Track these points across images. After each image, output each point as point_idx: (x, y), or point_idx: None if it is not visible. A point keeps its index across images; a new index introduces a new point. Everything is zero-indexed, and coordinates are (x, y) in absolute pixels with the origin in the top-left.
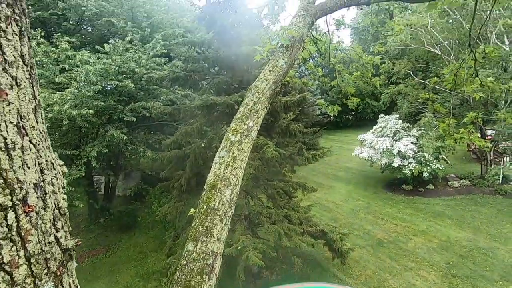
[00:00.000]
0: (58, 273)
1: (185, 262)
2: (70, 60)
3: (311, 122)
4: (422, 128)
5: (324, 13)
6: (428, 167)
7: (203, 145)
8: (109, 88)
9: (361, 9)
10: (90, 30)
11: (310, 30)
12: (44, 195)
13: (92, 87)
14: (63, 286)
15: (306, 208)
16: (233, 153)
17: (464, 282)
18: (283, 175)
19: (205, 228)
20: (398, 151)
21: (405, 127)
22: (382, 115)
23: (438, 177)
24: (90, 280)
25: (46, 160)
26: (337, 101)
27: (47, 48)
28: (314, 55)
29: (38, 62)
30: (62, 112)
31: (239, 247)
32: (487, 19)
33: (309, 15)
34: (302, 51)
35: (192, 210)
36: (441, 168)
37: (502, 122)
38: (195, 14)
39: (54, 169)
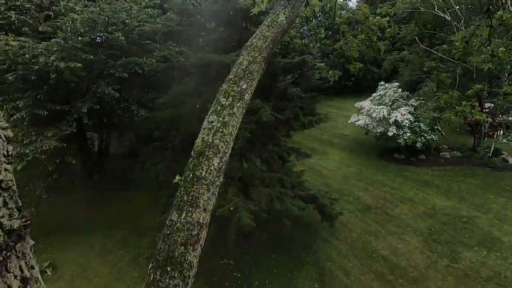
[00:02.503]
0: (0, 259)
1: (168, 232)
2: (55, 7)
3: (309, 86)
4: (421, 98)
5: None
6: (422, 138)
7: (197, 106)
8: (98, 41)
9: None
10: None
11: None
12: None
13: (80, 38)
14: (9, 271)
15: (299, 173)
16: (223, 118)
17: (443, 246)
18: (278, 139)
19: (190, 197)
20: (395, 120)
21: (404, 96)
22: (382, 82)
23: (431, 148)
24: (86, 232)
25: None
26: (338, 65)
27: None
28: (318, 14)
29: (19, 7)
30: (49, 64)
31: (231, 208)
32: None
33: None
34: (306, 8)
35: (177, 177)
36: (434, 139)
37: (501, 95)
38: None
39: None
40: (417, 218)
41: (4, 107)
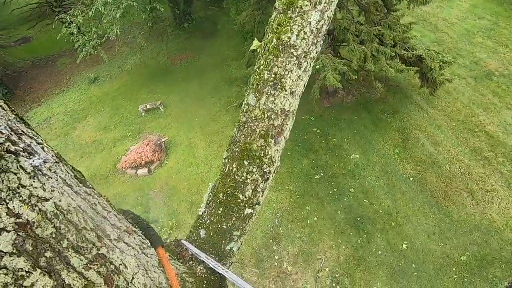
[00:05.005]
0: None
1: (244, 120)
2: None
3: None
4: None
5: None
6: None
7: None
8: None
9: None
10: None
11: None
12: None
13: None
14: None
15: (406, 26)
16: None
17: None
18: None
19: (273, 75)
20: None
21: None
22: None
23: None
24: (184, 79)
25: None
26: None
27: None
28: None
29: None
30: None
31: (317, 66)
32: None
33: None
34: None
35: (255, 42)
36: None
37: None
38: None
39: None
40: None
41: None
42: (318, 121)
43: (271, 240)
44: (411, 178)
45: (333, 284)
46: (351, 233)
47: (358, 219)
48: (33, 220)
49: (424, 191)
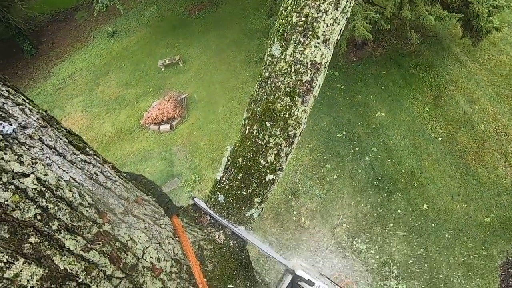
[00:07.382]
0: None
1: (267, 74)
2: None
3: None
4: None
5: None
6: None
7: None
8: None
9: None
10: None
11: None
12: None
13: None
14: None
15: None
16: None
17: None
18: None
19: (303, 18)
20: None
21: None
22: None
23: None
24: (202, 32)
25: None
26: None
27: None
28: None
29: None
30: None
31: None
32: None
33: None
34: None
35: None
36: None
37: None
38: None
39: None
40: None
41: None
42: (342, 76)
43: (290, 196)
44: (440, 138)
45: (350, 239)
46: (371, 192)
47: (379, 178)
48: (6, 201)
49: (453, 152)
